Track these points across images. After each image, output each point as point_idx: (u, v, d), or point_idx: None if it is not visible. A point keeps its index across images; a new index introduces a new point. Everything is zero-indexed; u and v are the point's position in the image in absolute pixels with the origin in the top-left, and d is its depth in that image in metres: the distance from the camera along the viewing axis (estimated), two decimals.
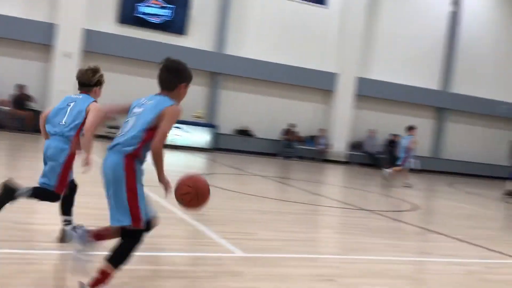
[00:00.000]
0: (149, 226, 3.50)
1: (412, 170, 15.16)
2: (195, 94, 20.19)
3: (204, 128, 19.76)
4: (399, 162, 15.29)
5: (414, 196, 13.11)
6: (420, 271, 5.57)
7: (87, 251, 3.46)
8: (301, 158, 21.11)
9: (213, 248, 5.33)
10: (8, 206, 4.27)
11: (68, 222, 4.57)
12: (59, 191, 4.40)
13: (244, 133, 21.07)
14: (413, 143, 15.28)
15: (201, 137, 19.66)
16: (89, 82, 4.67)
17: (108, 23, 19.14)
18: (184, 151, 18.19)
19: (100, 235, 3.54)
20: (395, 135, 23.09)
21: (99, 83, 4.74)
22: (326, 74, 21.87)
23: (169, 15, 19.90)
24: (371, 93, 22.68)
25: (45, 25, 17.87)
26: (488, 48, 25.35)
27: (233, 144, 20.58)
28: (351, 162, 22.07)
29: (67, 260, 3.52)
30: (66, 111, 4.47)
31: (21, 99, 17.22)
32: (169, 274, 4.31)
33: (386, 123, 23.28)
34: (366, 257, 5.64)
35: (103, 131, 17.56)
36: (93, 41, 18.38)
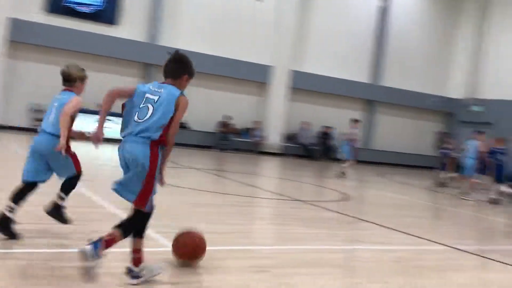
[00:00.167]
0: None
1: (344, 161, 15.54)
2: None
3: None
4: (348, 155, 15.53)
5: (347, 186, 13.46)
6: (352, 259, 5.73)
7: (97, 262, 3.66)
8: (236, 150, 21.17)
9: (148, 243, 5.24)
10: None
11: (60, 202, 4.98)
12: (79, 169, 5.01)
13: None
14: (355, 135, 15.71)
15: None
16: (69, 77, 5.00)
17: (36, 12, 18.36)
18: (116, 144, 17.79)
19: (109, 242, 3.72)
20: (327, 127, 23.61)
21: (80, 78, 5.04)
22: (261, 67, 22.01)
23: (100, 4, 19.33)
24: (304, 86, 23.05)
25: None
26: (416, 42, 26.36)
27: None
28: (286, 154, 22.37)
29: (79, 269, 3.68)
30: (52, 110, 4.89)
31: None
32: (103, 271, 4.21)
33: (319, 115, 23.75)
34: (300, 247, 5.74)
35: (32, 125, 16.94)
36: (19, 31, 17.59)
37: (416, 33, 26.39)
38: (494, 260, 6.28)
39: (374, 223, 7.92)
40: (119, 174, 3.97)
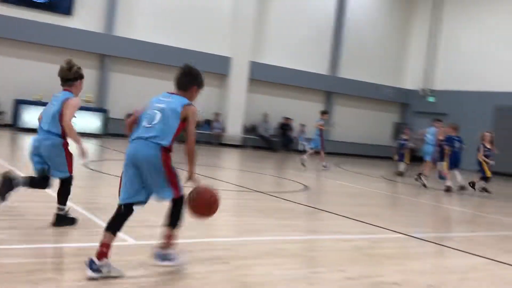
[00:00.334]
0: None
1: (303, 152, 15.68)
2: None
3: (94, 113, 19.05)
4: (317, 146, 15.78)
5: (305, 177, 13.57)
6: (310, 249, 5.78)
7: (181, 262, 4.18)
8: (196, 142, 21.01)
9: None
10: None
11: (61, 212, 5.21)
12: (71, 171, 5.18)
13: None
14: (321, 126, 15.94)
15: (91, 122, 18.94)
16: (67, 77, 5.13)
17: None
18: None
19: (169, 243, 4.18)
20: (287, 118, 23.74)
21: (78, 76, 5.18)
22: (220, 58, 21.90)
23: None
24: (264, 77, 23.09)
25: None
26: (373, 34, 26.75)
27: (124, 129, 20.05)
28: (246, 146, 22.40)
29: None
30: (50, 109, 5.07)
31: None
32: (59, 267, 4.11)
33: (278, 106, 23.85)
34: (260, 238, 5.75)
35: None
36: None
37: (373, 26, 26.78)
38: (449, 247, 6.45)
39: (332, 213, 8.01)
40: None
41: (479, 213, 10.53)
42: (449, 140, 13.51)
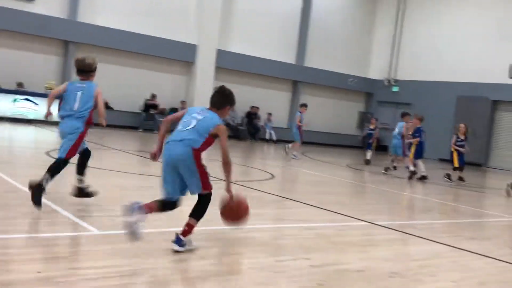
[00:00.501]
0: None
1: (270, 141, 15.75)
2: (46, 64, 18.91)
3: (56, 100, 18.64)
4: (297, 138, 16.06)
5: (272, 166, 13.64)
6: (276, 237, 5.82)
7: (140, 222, 4.32)
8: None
9: (69, 227, 5.09)
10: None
11: (81, 181, 5.89)
12: (71, 156, 5.75)
13: None
14: (299, 121, 16.29)
15: (53, 109, 18.54)
16: (90, 69, 5.90)
17: None
18: (36, 125, 17.03)
19: (150, 208, 4.51)
20: (254, 107, 23.77)
21: (96, 68, 5.98)
22: (187, 46, 21.69)
23: None
24: (231, 65, 22.99)
25: None
26: (338, 24, 26.93)
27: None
28: None
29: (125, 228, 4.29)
30: (76, 99, 5.70)
31: None
32: (22, 258, 4.03)
33: (246, 95, 23.79)
34: (226, 228, 5.75)
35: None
36: None
37: (338, 16, 26.96)
38: (412, 234, 6.59)
39: (299, 201, 8.08)
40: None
41: (441, 201, 10.78)
42: (418, 131, 13.86)
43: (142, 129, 20.38)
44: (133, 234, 4.29)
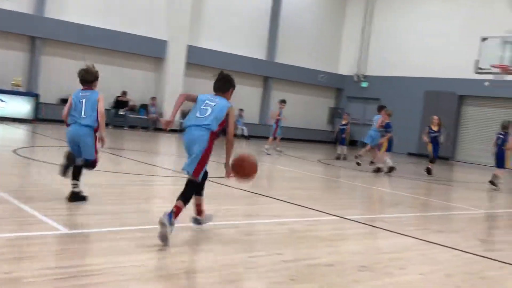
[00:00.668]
0: (203, 180, 5.36)
1: (241, 137, 15.77)
2: (12, 60, 18.50)
3: (24, 97, 18.29)
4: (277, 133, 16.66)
5: None
6: (248, 233, 5.84)
7: (172, 229, 4.77)
8: (132, 127, 20.69)
9: (36, 226, 5.01)
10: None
11: (76, 185, 6.13)
12: (96, 160, 6.34)
13: None
14: (275, 114, 16.60)
15: (20, 107, 18.19)
16: (94, 79, 6.40)
17: None
18: (1, 122, 16.68)
19: (177, 212, 4.97)
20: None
21: (97, 78, 6.43)
22: (156, 41, 21.51)
23: None
24: (202, 61, 22.89)
25: None
26: (308, 21, 27.08)
27: (58, 114, 19.30)
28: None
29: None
30: (82, 107, 6.11)
31: None
32: None
33: None
34: (198, 224, 5.74)
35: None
36: None
37: (308, 12, 27.10)
38: (381, 228, 6.70)
39: (270, 197, 8.12)
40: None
41: (410, 195, 10.96)
42: (388, 126, 14.11)
43: (112, 126, 20.14)
44: (166, 240, 4.66)
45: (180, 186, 8.74)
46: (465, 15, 23.48)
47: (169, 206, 7.01)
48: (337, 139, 18.32)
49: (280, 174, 12.46)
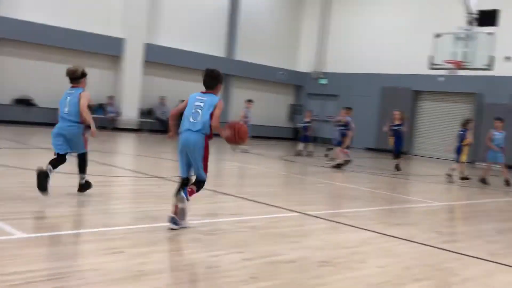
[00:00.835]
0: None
1: None
2: None
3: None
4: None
5: None
6: (209, 232, 5.79)
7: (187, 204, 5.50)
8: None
9: None
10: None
11: (82, 178, 6.78)
12: (86, 148, 6.84)
13: (24, 102, 19.39)
14: (243, 113, 16.79)
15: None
16: (77, 76, 6.77)
17: None
18: None
19: (191, 192, 5.60)
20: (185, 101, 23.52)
21: (84, 75, 6.83)
22: (113, 39, 21.14)
23: None
24: (160, 59, 22.66)
25: None
26: (267, 18, 27.15)
27: (11, 115, 18.85)
28: (143, 130, 21.94)
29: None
30: (66, 103, 6.64)
31: None
32: None
33: (176, 89, 23.55)
34: (157, 225, 5.68)
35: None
36: None
37: (267, 9, 27.17)
38: (341, 223, 6.78)
39: (231, 195, 8.10)
40: None
41: (369, 189, 11.13)
42: (349, 123, 14.56)
43: None
44: (183, 214, 5.42)
45: (141, 186, 8.67)
46: (419, 12, 24.02)
47: (129, 207, 6.94)
48: (298, 136, 18.50)
49: (241, 172, 12.45)
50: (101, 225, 5.50)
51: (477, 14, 16.35)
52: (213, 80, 5.71)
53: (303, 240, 5.69)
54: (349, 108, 16.07)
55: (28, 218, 5.50)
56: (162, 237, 5.20)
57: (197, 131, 5.50)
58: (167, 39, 23.01)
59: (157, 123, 22.59)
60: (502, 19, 16.41)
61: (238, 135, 5.70)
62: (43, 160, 10.79)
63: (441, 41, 16.90)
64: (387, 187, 12.08)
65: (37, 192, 6.17)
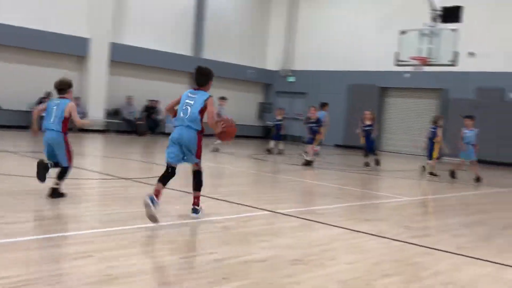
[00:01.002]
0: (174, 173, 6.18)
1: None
2: None
3: None
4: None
5: None
6: (180, 234, 5.74)
7: (202, 212, 6.27)
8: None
9: None
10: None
11: (58, 184, 6.88)
12: (70, 163, 7.02)
13: None
14: (218, 113, 16.71)
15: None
16: (66, 87, 7.20)
17: None
18: None
19: (197, 200, 6.30)
20: (153, 101, 23.33)
21: (70, 86, 7.24)
22: (78, 39, 20.77)
23: None
24: (126, 58, 22.38)
25: None
26: (234, 16, 27.10)
27: None
28: (109, 130, 21.63)
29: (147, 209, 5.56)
30: (52, 113, 6.88)
31: None
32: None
33: (143, 89, 23.32)
34: (126, 227, 5.59)
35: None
36: None
37: (234, 8, 27.13)
38: (312, 220, 6.80)
39: (202, 195, 8.02)
40: None
41: (338, 186, 11.21)
42: (319, 121, 14.79)
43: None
44: (153, 218, 5.54)
45: (109, 188, 8.54)
46: (385, 9, 24.31)
47: (96, 210, 6.81)
48: (269, 134, 18.56)
49: (211, 172, 12.38)
50: (69, 229, 5.39)
51: (441, 10, 16.64)
52: (203, 77, 6.03)
53: (275, 239, 5.68)
54: (325, 104, 16.39)
55: None
56: (131, 239, 5.12)
57: (187, 126, 5.87)
58: (133, 39, 22.73)
59: (124, 124, 22.32)
60: (465, 15, 16.74)
61: (230, 132, 6.20)
62: (7, 163, 10.54)
63: (407, 38, 17.13)
64: (356, 183, 12.19)
65: (8, 196, 6.03)
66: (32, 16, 19.51)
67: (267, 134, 23.38)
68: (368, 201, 9.41)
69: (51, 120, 6.88)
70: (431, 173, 13.76)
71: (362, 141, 15.64)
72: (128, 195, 7.76)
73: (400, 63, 17.22)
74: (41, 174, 6.66)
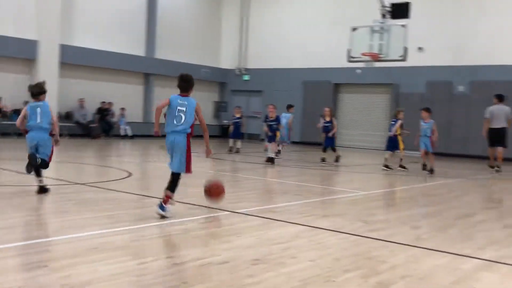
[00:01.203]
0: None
1: (125, 137, 15.26)
2: None
3: None
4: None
5: (129, 163, 13.22)
6: (138, 238, 5.62)
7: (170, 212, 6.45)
8: (5, 135, 19.24)
9: None
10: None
11: (41, 181, 7.69)
12: (50, 161, 7.69)
13: None
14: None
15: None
16: (42, 91, 7.81)
17: None
18: None
19: (166, 200, 6.43)
20: (106, 103, 22.89)
21: (45, 92, 7.80)
22: (26, 42, 20.15)
23: None
24: (77, 61, 21.88)
25: None
26: (187, 15, 26.90)
27: None
28: (62, 134, 21.06)
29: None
30: (37, 115, 7.54)
31: None
32: None
33: (96, 91, 22.86)
34: (81, 234, 5.43)
35: None
36: None
37: (186, 7, 26.89)
38: (272, 219, 6.79)
39: (158, 198, 7.88)
40: None
41: (296, 183, 11.26)
42: (278, 119, 15.11)
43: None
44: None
45: (62, 194, 8.29)
46: (336, 6, 24.62)
47: (50, 218, 6.61)
48: (226, 133, 18.56)
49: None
50: (22, 239, 5.20)
51: (390, 7, 16.97)
52: (187, 83, 6.54)
53: (235, 239, 5.64)
54: (290, 106, 17.04)
55: None
56: (86, 247, 4.97)
57: (179, 131, 6.36)
58: (83, 40, 22.23)
59: (76, 127, 21.80)
60: (413, 11, 17.12)
61: (215, 194, 7.14)
62: None
63: (358, 34, 17.40)
64: (315, 180, 12.28)
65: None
66: None
67: (224, 133, 23.27)
68: (326, 197, 9.49)
69: (38, 120, 7.51)
70: (387, 166, 14.06)
71: (322, 137, 15.78)
72: (82, 200, 7.56)
73: (352, 59, 17.48)
74: (30, 167, 7.38)
